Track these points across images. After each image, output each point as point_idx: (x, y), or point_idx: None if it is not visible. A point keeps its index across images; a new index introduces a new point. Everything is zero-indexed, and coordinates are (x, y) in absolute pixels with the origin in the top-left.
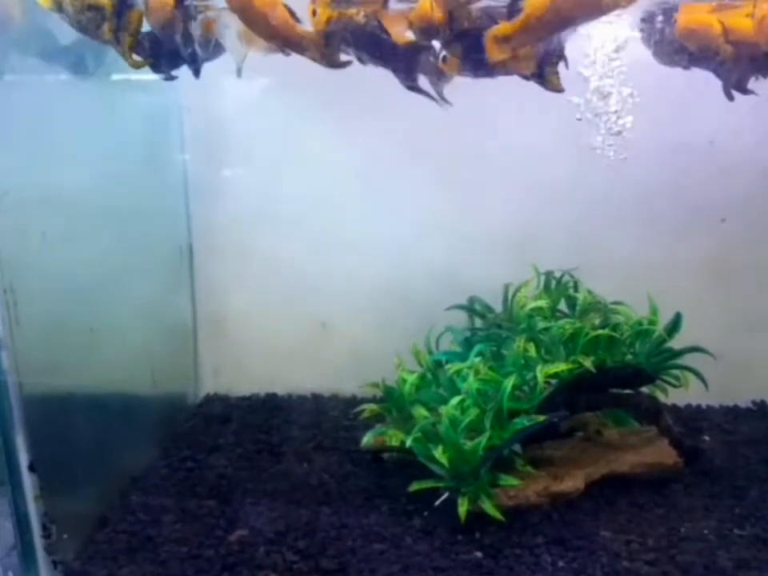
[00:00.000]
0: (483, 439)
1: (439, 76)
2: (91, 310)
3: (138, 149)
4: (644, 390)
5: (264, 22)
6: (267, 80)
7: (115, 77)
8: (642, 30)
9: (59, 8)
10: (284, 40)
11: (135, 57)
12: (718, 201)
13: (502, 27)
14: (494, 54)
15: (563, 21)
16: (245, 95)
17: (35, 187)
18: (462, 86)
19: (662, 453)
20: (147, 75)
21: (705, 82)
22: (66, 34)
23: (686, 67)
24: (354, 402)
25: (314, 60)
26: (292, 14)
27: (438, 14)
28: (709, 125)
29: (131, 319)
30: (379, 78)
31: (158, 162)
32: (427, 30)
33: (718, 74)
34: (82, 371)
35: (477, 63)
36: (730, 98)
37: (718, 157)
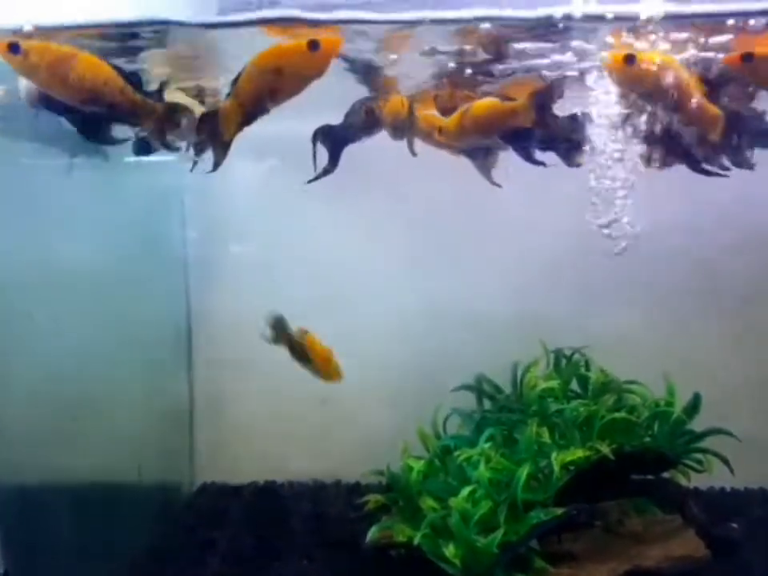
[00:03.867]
0: (498, 535)
1: (484, 157)
2: (77, 397)
3: (136, 229)
4: (665, 474)
5: (71, 80)
6: (270, 160)
7: (114, 158)
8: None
9: None
10: (109, 106)
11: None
12: (734, 277)
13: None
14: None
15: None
16: (247, 175)
17: (25, 268)
18: (468, 166)
19: (689, 544)
20: (148, 156)
21: None
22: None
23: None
24: (357, 489)
25: (149, 133)
26: (127, 78)
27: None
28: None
29: (121, 406)
30: (381, 159)
31: (157, 243)
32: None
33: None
34: (62, 466)
35: None
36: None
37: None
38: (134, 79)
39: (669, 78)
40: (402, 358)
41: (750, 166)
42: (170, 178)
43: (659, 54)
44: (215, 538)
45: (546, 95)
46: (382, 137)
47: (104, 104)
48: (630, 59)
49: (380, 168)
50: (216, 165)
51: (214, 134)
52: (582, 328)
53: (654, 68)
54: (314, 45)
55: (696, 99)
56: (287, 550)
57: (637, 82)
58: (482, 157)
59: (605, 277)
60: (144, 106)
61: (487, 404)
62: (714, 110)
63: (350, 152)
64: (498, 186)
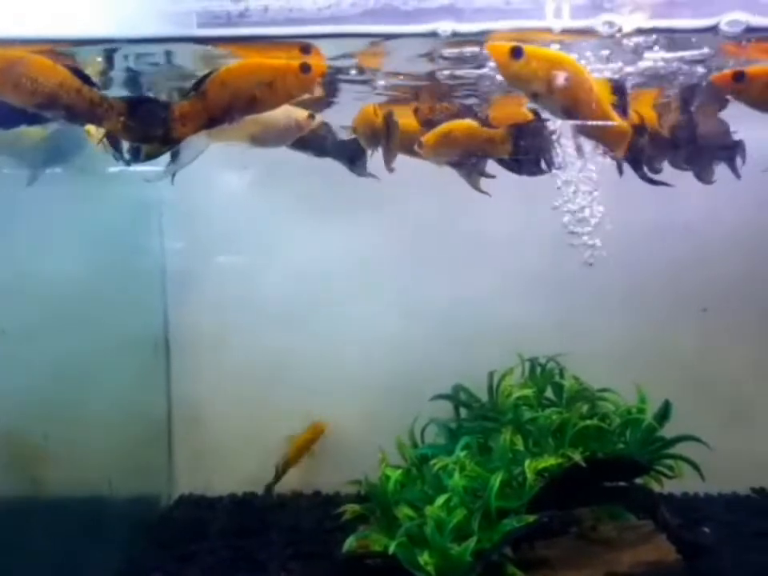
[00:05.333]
0: (471, 543)
1: (471, 166)
2: (50, 413)
3: (113, 241)
4: (638, 480)
5: (23, 84)
6: (250, 171)
7: (90, 169)
8: None
9: None
10: (66, 108)
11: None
12: (700, 289)
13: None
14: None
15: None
16: (226, 187)
17: None
18: (451, 179)
19: (660, 550)
20: (125, 168)
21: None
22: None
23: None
24: (337, 500)
25: (115, 134)
26: (83, 77)
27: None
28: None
29: (97, 419)
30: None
31: (134, 255)
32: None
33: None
34: (36, 480)
35: None
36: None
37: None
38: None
39: (560, 80)
40: (382, 368)
41: (710, 181)
42: (148, 189)
43: (557, 52)
44: (193, 551)
45: (524, 128)
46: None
47: (61, 106)
48: (516, 52)
49: (362, 179)
50: (149, 157)
51: (160, 127)
52: (558, 336)
53: (547, 67)
54: (306, 68)
55: (595, 108)
56: (265, 561)
57: (523, 80)
58: (469, 166)
59: (580, 286)
60: (102, 104)
61: (464, 413)
62: (620, 123)
63: (330, 164)
64: (487, 194)
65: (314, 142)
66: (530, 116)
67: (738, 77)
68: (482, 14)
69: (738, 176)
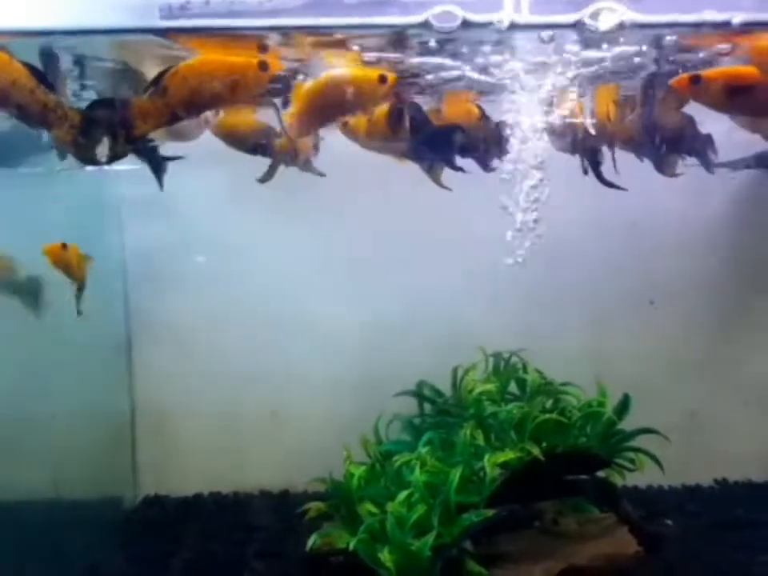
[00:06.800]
0: (430, 538)
1: (431, 164)
2: (8, 412)
3: (70, 240)
4: (601, 474)
5: None
6: (213, 169)
7: (44, 169)
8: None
9: None
10: (17, 108)
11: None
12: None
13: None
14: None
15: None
16: (186, 184)
17: None
18: (409, 179)
19: (621, 542)
20: (79, 166)
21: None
22: None
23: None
24: (304, 498)
25: (65, 143)
26: (41, 78)
27: None
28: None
29: (56, 421)
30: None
31: (93, 254)
32: None
33: None
34: None
35: None
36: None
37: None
38: (50, 81)
39: None
40: (348, 367)
41: (674, 174)
42: (106, 187)
43: None
44: (157, 551)
45: (399, 111)
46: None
47: (12, 105)
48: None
49: (323, 179)
50: (114, 157)
51: (119, 125)
52: (516, 333)
53: None
54: (264, 66)
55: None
56: (230, 561)
57: None
58: (430, 161)
59: (530, 283)
60: (56, 109)
61: (429, 408)
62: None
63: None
64: (448, 189)
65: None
66: (477, 111)
67: (695, 80)
68: (425, 7)
69: (711, 171)
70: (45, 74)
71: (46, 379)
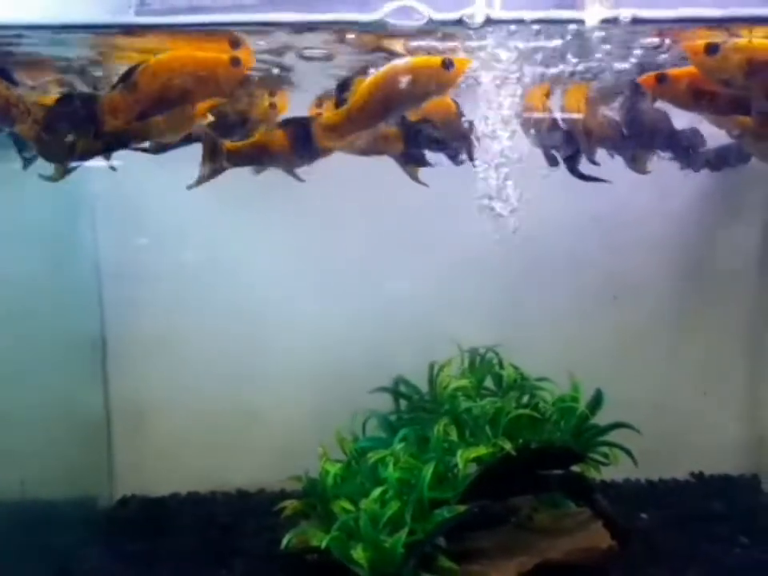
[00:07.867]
0: (402, 535)
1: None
2: None
3: (42, 237)
4: (575, 468)
5: None
6: (188, 166)
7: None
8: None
9: None
10: None
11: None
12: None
13: (328, 116)
14: (323, 141)
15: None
16: (163, 182)
17: None
18: (384, 174)
19: (595, 536)
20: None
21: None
22: None
23: None
24: (282, 496)
25: (29, 139)
26: (4, 74)
27: None
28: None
29: (28, 421)
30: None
31: (66, 251)
32: None
33: None
34: None
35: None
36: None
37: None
38: (10, 76)
39: None
40: (325, 365)
41: (644, 171)
42: (79, 183)
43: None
44: (132, 551)
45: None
46: None
47: None
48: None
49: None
50: (84, 154)
51: (88, 121)
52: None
53: None
54: (236, 61)
55: None
56: (205, 560)
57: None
58: (406, 157)
59: (502, 277)
60: (18, 105)
61: (405, 405)
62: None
63: None
64: (425, 185)
65: None
66: (454, 106)
67: (661, 78)
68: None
69: (694, 168)
70: (5, 68)
71: (19, 378)
